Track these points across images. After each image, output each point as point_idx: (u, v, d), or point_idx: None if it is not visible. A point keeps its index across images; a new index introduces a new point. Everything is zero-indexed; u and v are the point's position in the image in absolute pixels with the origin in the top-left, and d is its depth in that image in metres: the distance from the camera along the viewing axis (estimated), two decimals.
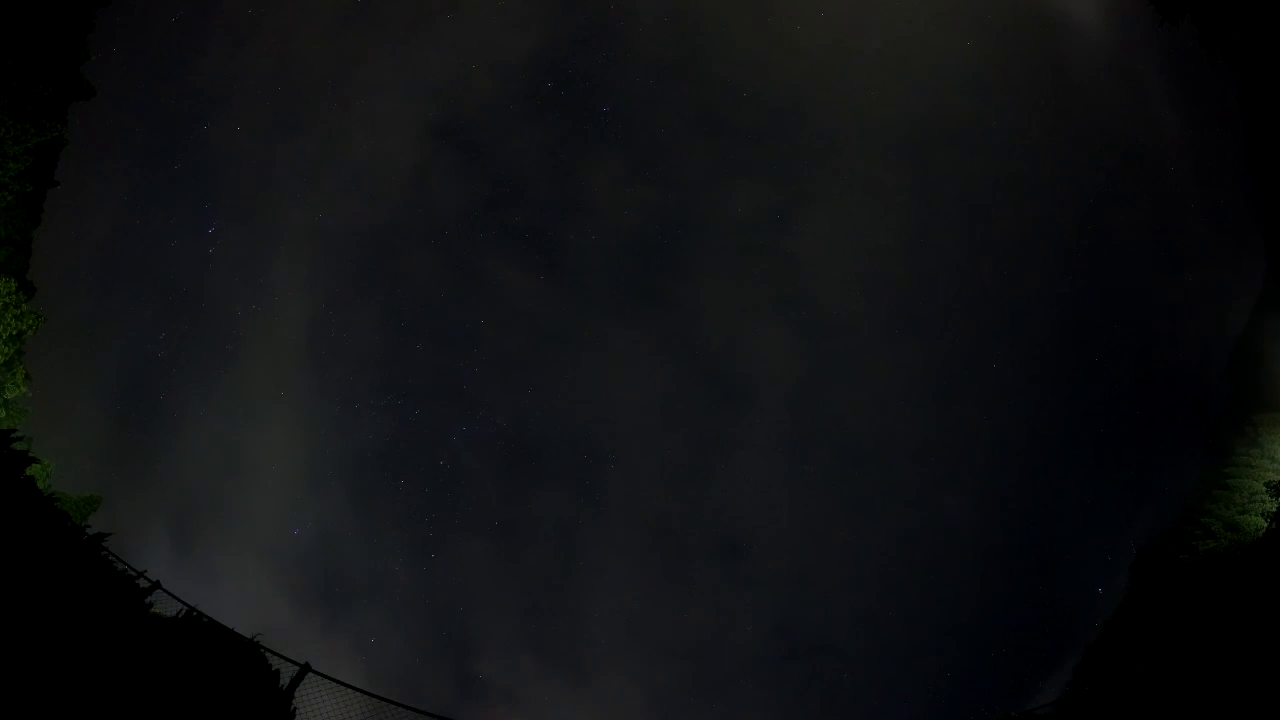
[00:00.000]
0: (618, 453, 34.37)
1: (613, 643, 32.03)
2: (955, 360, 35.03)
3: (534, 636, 32.41)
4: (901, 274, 35.07)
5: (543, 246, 35.56)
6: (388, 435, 34.02)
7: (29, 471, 14.65)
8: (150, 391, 32.02)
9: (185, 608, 8.93)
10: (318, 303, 34.64)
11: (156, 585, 9.71)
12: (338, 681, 8.57)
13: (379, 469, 33.78)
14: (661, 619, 32.52)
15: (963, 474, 34.47)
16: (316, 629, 30.39)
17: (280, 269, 34.21)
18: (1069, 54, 32.79)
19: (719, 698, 31.57)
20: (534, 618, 32.57)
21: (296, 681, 8.19)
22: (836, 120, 34.46)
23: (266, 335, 33.54)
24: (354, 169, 35.24)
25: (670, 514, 33.98)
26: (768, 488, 33.66)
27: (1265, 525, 16.84)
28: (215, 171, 33.38)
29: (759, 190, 34.62)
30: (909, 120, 34.75)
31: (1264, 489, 18.60)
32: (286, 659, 8.49)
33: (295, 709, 8.02)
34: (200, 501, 32.40)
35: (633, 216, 35.28)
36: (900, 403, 35.14)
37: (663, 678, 31.38)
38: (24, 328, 17.09)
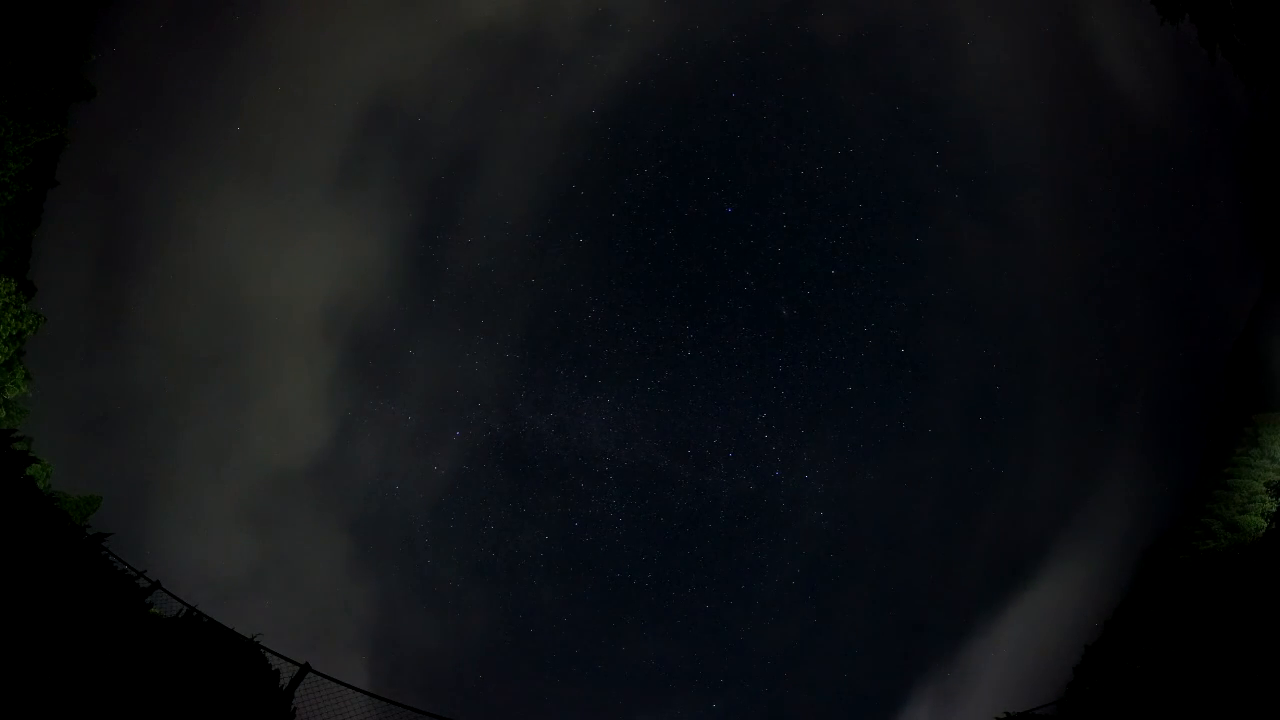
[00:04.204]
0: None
1: None
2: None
3: None
4: None
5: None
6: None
7: (29, 471, 14.68)
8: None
9: (185, 608, 8.94)
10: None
11: (156, 585, 9.71)
12: (338, 681, 8.58)
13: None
14: None
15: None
16: None
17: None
18: (1066, 54, 32.82)
19: None
20: None
21: (296, 681, 8.20)
22: None
23: None
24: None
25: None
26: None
27: (1265, 525, 16.86)
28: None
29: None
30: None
31: (1264, 489, 18.64)
32: (286, 659, 8.50)
33: (295, 709, 8.02)
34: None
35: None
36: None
37: None
38: (24, 328, 17.11)
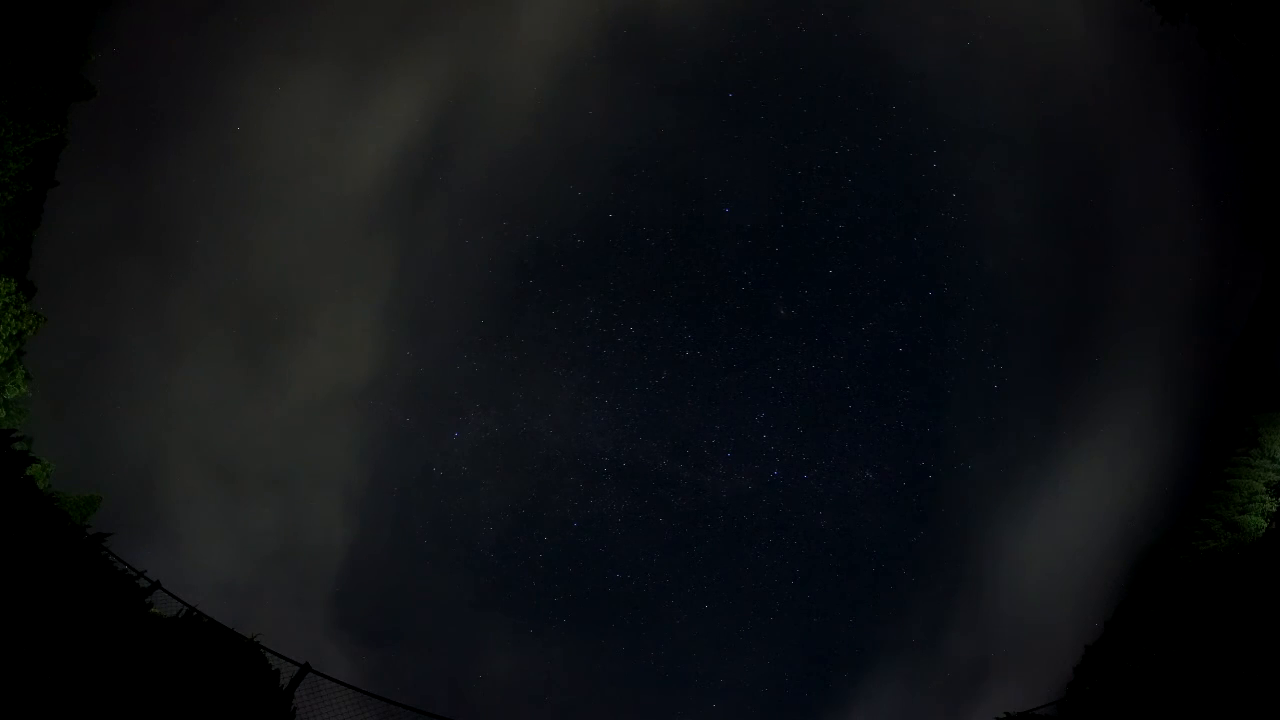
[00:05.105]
0: None
1: None
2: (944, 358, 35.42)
3: None
4: None
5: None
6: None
7: (29, 471, 14.68)
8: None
9: (185, 608, 8.94)
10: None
11: (156, 585, 9.73)
12: (338, 681, 8.58)
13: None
14: None
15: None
16: None
17: None
18: (1064, 54, 32.82)
19: None
20: None
21: (296, 681, 8.21)
22: None
23: None
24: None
25: None
26: None
27: (1265, 525, 16.88)
28: None
29: None
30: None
31: (1264, 489, 18.65)
32: (286, 659, 8.50)
33: (295, 709, 8.03)
34: None
35: None
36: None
37: None
38: (24, 328, 17.11)
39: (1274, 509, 17.34)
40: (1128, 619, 17.96)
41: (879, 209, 35.76)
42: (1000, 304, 34.66)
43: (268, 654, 8.42)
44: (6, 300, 16.62)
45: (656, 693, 34.39)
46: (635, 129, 35.56)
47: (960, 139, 34.65)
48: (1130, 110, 32.11)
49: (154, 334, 31.35)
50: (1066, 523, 31.80)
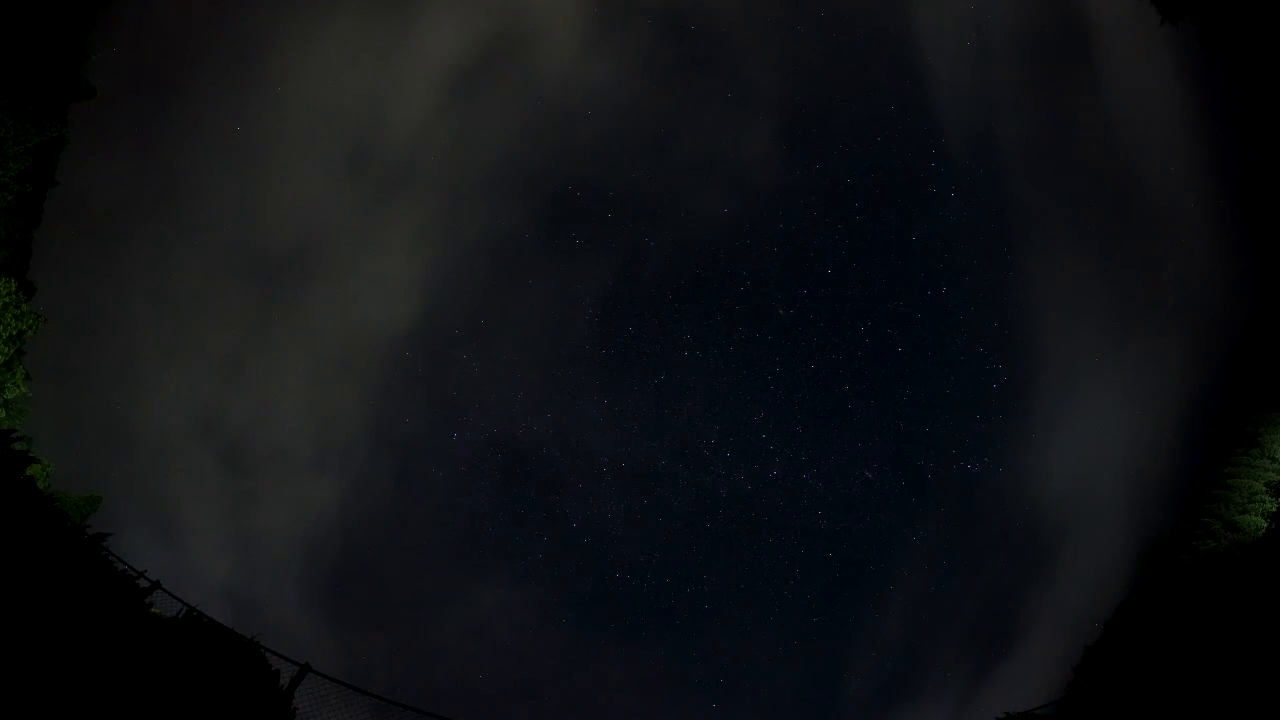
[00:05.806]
0: None
1: None
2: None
3: None
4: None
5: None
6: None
7: (29, 471, 14.67)
8: None
9: (185, 607, 8.94)
10: None
11: (156, 585, 9.73)
12: (338, 681, 8.58)
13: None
14: None
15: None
16: None
17: None
18: (1063, 54, 32.86)
19: None
20: None
21: (296, 681, 8.20)
22: None
23: None
24: None
25: None
26: None
27: (1265, 525, 16.89)
28: None
29: None
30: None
31: (1264, 489, 18.66)
32: (286, 659, 8.50)
33: (295, 709, 8.03)
34: None
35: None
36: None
37: None
38: (24, 328, 17.11)
39: (1274, 509, 17.36)
40: (1128, 619, 17.95)
41: (879, 209, 35.78)
42: (1000, 304, 34.70)
43: (268, 654, 8.42)
44: (6, 300, 16.62)
45: (655, 692, 34.43)
46: (635, 129, 35.62)
47: (960, 138, 34.70)
48: (1130, 110, 32.12)
49: (154, 333, 31.39)
50: (1067, 523, 31.81)
